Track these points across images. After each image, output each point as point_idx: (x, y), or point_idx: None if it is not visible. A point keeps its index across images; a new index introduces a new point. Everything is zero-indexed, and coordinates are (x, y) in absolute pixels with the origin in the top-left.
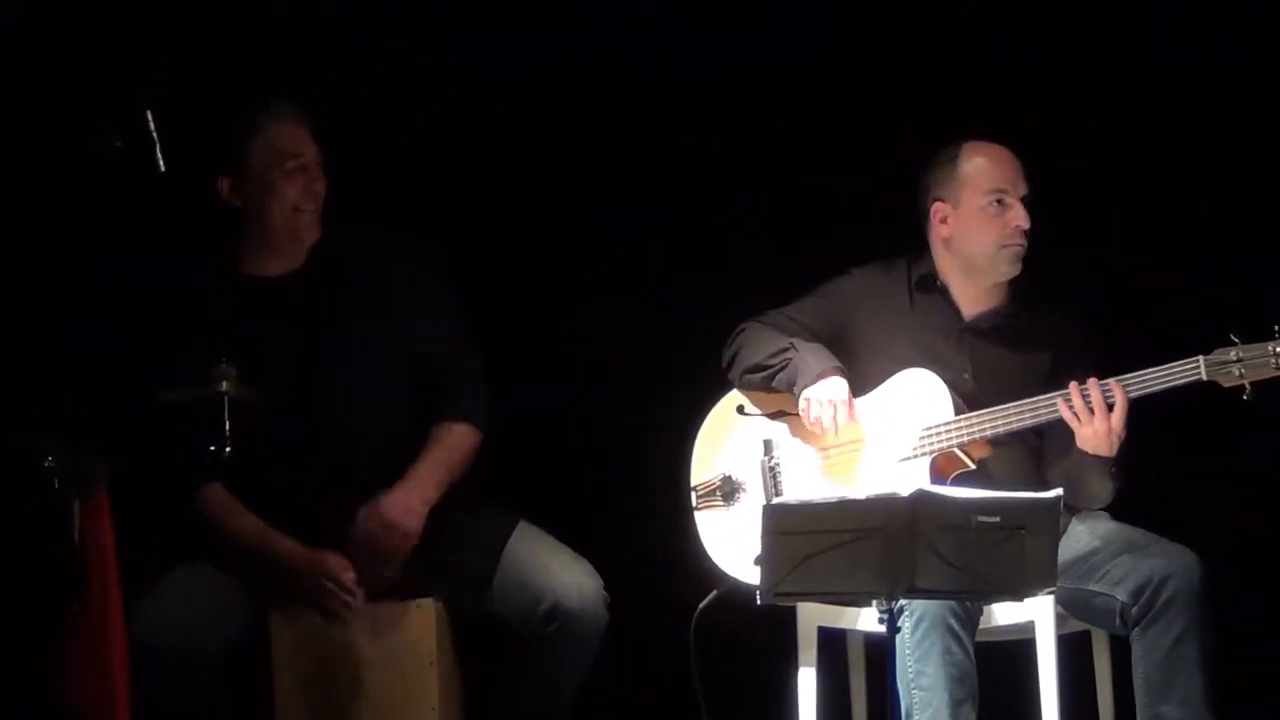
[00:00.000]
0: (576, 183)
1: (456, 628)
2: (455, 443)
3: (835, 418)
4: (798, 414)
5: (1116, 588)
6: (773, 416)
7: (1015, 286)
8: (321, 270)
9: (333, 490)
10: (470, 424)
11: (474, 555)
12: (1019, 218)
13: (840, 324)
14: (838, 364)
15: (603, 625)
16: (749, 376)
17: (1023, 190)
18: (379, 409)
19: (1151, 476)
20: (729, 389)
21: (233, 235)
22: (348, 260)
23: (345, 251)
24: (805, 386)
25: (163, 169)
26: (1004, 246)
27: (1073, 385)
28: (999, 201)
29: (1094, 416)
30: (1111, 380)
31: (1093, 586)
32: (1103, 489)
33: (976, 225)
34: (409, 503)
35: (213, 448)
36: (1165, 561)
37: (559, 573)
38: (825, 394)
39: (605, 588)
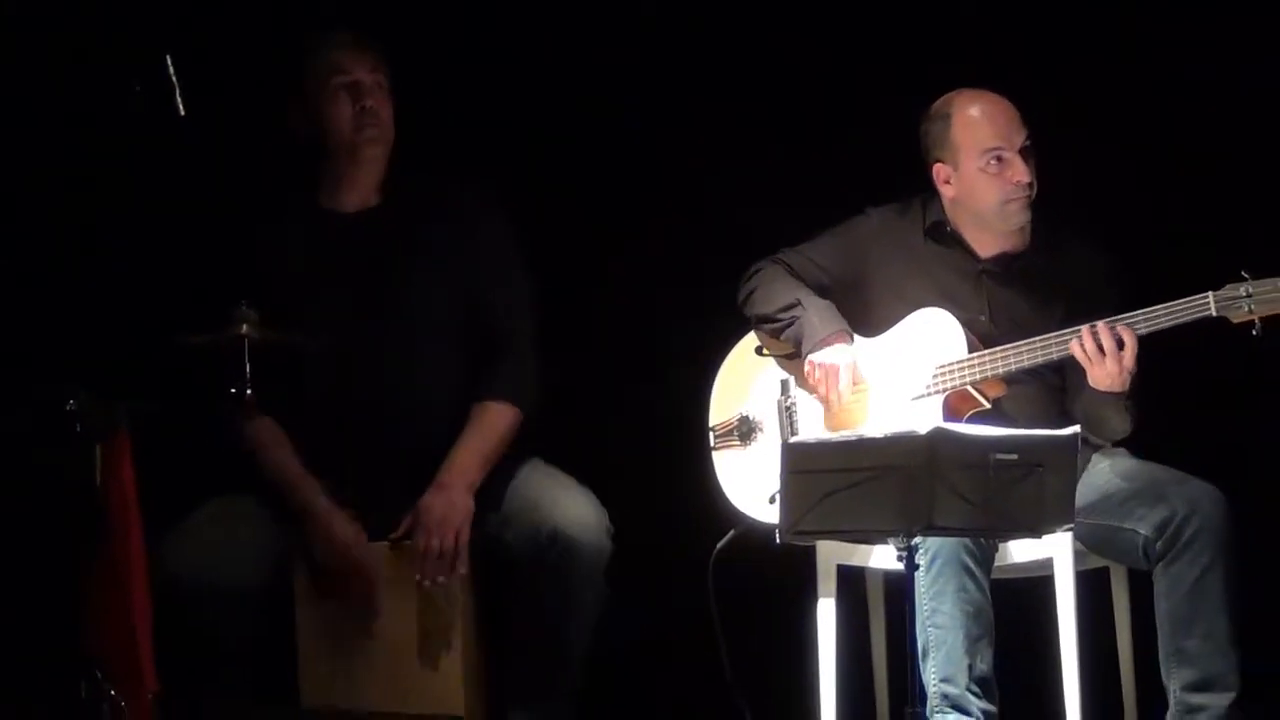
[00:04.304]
0: (596, 127)
1: (473, 568)
2: (496, 424)
3: (836, 385)
4: None
5: (1140, 523)
6: (789, 357)
7: (1034, 227)
8: (395, 208)
9: (385, 433)
10: (512, 403)
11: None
12: (1019, 172)
13: (856, 265)
14: (843, 326)
15: (605, 555)
16: (760, 325)
17: (1020, 140)
18: (437, 354)
19: (1172, 414)
20: (748, 330)
21: (310, 169)
22: (422, 200)
23: (420, 191)
24: (810, 350)
25: (183, 113)
26: (1008, 202)
27: (1084, 328)
28: (997, 159)
29: (1105, 358)
30: (1120, 321)
31: (1115, 523)
32: (1120, 422)
33: (978, 185)
34: (452, 498)
35: (234, 390)
36: (1189, 497)
37: (563, 501)
38: (830, 359)
39: (623, 528)
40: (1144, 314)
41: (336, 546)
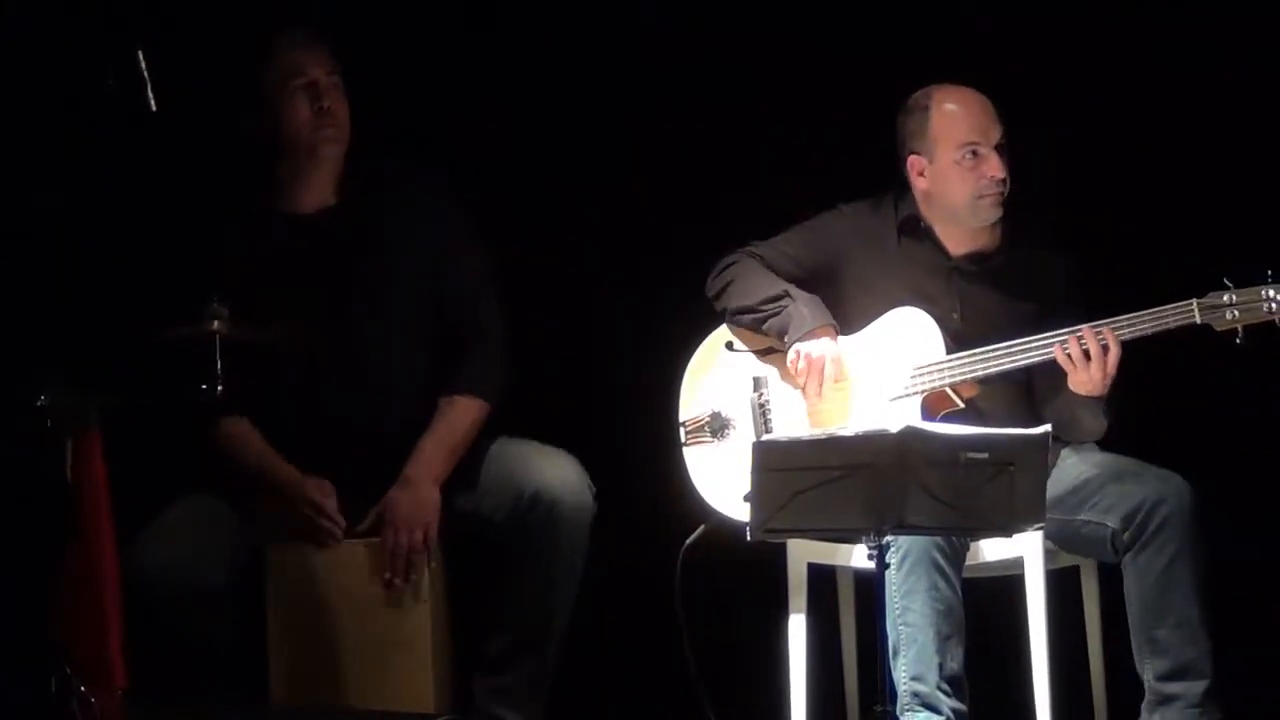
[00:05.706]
0: (569, 112)
1: (447, 558)
2: (462, 417)
3: (820, 377)
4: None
5: (1107, 515)
6: (762, 354)
7: (1004, 227)
8: (353, 206)
9: (354, 426)
10: (478, 397)
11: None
12: (994, 167)
13: (830, 260)
14: (831, 321)
15: (589, 514)
16: (738, 317)
17: (996, 136)
18: (405, 349)
19: (1140, 410)
20: (716, 324)
21: (268, 170)
22: (380, 196)
23: (376, 187)
24: (797, 340)
25: (154, 108)
26: (981, 197)
27: (1069, 334)
28: (973, 153)
29: (1089, 363)
30: (1105, 327)
31: (1083, 516)
32: (1096, 425)
33: (952, 179)
34: (419, 494)
35: (204, 386)
36: (1156, 487)
37: (541, 464)
38: (816, 350)
39: (595, 520)
40: (1127, 319)
41: (309, 500)
